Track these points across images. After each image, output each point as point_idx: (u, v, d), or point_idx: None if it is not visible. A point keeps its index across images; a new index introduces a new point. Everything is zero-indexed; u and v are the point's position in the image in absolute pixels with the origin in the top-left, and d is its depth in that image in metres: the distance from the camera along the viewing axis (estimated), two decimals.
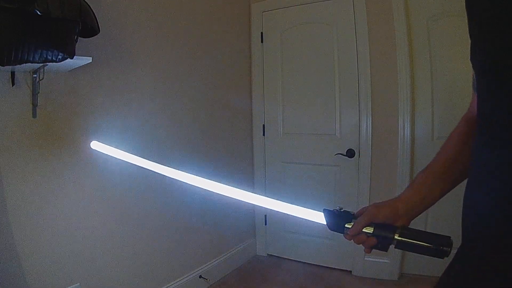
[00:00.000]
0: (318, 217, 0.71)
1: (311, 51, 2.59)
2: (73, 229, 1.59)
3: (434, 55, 2.25)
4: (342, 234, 0.70)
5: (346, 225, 0.68)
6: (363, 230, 0.66)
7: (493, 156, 0.50)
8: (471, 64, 0.57)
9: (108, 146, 1.21)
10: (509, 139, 0.47)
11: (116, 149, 1.16)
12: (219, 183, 0.81)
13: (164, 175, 0.94)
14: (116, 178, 1.77)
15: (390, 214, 0.67)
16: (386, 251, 0.66)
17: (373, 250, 0.68)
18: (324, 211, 0.70)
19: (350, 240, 0.69)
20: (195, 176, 0.85)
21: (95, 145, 1.27)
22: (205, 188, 0.82)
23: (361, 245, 0.68)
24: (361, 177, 2.44)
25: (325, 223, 0.70)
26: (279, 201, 0.74)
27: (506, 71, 0.46)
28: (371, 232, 0.66)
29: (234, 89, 2.66)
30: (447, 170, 0.69)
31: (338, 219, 0.69)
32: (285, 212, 0.74)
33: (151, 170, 0.98)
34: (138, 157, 1.05)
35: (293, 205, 0.73)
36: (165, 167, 0.94)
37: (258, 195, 0.76)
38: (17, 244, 1.39)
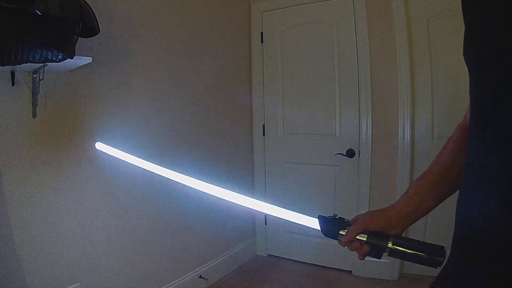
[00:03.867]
0: (313, 223, 0.72)
1: (311, 51, 2.59)
2: (73, 229, 1.59)
3: (434, 55, 2.25)
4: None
5: (340, 232, 0.70)
6: (357, 237, 0.68)
7: (491, 157, 0.47)
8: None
9: (112, 148, 1.22)
10: (508, 140, 0.44)
11: (119, 151, 1.17)
12: (217, 186, 0.81)
13: (166, 177, 0.94)
14: (117, 179, 1.76)
15: (383, 223, 0.68)
16: (380, 258, 0.68)
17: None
18: (319, 217, 0.72)
19: (344, 246, 0.71)
20: (196, 179, 0.86)
21: (100, 146, 1.27)
22: (203, 190, 0.83)
23: (355, 252, 0.70)
24: (361, 177, 2.44)
25: (319, 229, 0.71)
26: (274, 206, 0.76)
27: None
28: (365, 239, 0.68)
29: (234, 89, 2.66)
30: (441, 178, 0.69)
31: (332, 226, 0.70)
32: (280, 217, 0.76)
33: (152, 172, 0.98)
34: (140, 159, 1.05)
35: (289, 211, 0.75)
36: (165, 169, 0.94)
37: (254, 199, 0.77)
38: (17, 244, 1.39)
